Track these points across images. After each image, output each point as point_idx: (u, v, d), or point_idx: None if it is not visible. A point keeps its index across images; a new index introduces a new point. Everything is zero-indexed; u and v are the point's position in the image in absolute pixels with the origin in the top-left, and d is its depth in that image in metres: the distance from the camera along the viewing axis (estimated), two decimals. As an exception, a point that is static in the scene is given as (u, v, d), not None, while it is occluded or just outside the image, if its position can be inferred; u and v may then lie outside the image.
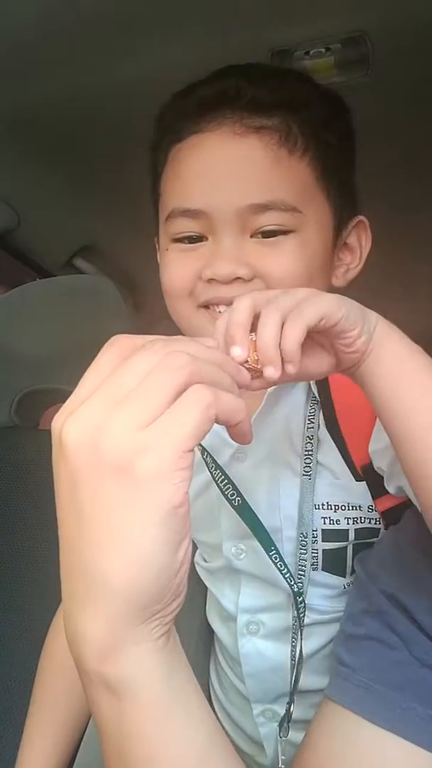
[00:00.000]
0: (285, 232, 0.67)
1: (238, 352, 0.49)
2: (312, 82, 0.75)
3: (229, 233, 0.67)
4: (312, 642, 0.76)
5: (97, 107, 0.91)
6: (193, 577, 0.89)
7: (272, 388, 0.72)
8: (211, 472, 0.76)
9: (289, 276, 0.67)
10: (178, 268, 0.70)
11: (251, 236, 0.67)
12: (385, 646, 0.56)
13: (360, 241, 0.76)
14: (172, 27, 0.75)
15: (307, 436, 0.73)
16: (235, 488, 0.74)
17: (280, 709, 0.78)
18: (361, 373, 0.54)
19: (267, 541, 0.73)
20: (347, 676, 0.57)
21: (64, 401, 0.45)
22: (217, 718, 0.87)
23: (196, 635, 0.88)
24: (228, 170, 0.67)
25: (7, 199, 1.06)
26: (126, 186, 0.97)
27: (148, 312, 1.43)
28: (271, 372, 0.50)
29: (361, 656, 0.57)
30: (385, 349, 0.53)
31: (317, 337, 0.53)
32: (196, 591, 0.90)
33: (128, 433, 0.40)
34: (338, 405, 0.73)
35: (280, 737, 0.74)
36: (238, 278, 0.67)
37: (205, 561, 0.87)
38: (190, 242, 0.70)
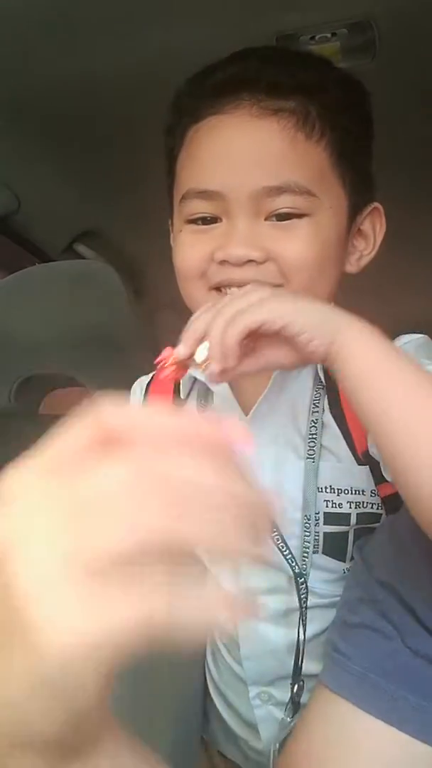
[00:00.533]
0: (299, 216, 0.67)
1: (182, 350, 0.56)
2: (332, 67, 0.74)
3: (243, 215, 0.67)
4: (311, 626, 0.76)
5: (99, 92, 0.90)
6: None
7: (276, 372, 0.73)
8: None
9: (302, 259, 0.67)
10: (191, 249, 0.70)
11: (265, 219, 0.67)
12: (380, 635, 0.56)
13: (374, 228, 0.76)
14: (175, 12, 0.75)
15: (312, 420, 0.73)
16: None
17: (276, 692, 0.79)
18: (333, 371, 0.56)
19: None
20: (342, 664, 0.57)
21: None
22: (213, 701, 0.88)
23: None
24: (244, 152, 0.67)
25: (7, 182, 1.06)
26: (128, 171, 0.97)
27: (149, 299, 1.43)
28: (212, 367, 0.55)
29: (356, 644, 0.58)
30: (353, 353, 0.54)
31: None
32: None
33: None
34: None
35: (286, 717, 0.74)
36: (250, 261, 0.67)
37: None
38: (204, 223, 0.70)
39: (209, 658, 0.89)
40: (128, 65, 0.85)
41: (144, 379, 0.88)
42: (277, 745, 0.75)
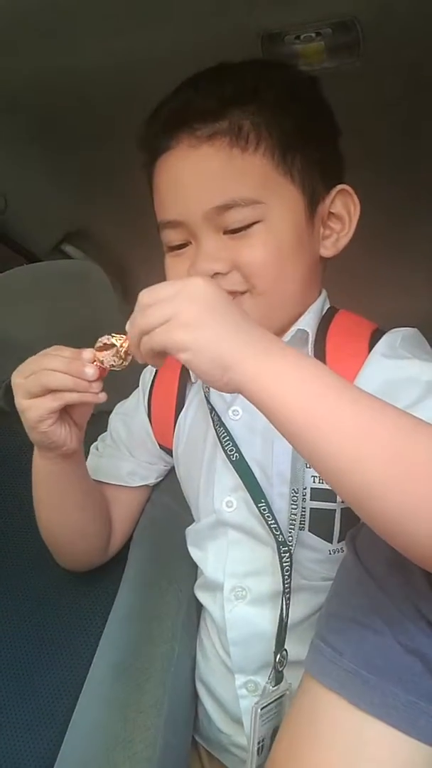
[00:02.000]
0: (250, 225, 0.72)
1: (87, 354, 0.67)
2: (263, 68, 0.78)
3: (204, 235, 0.73)
4: (298, 609, 0.78)
5: (86, 90, 0.90)
6: (183, 560, 0.91)
7: None
8: (215, 429, 0.81)
9: (260, 264, 0.73)
10: (172, 272, 0.78)
11: (224, 233, 0.73)
12: (371, 631, 0.56)
13: (348, 209, 0.78)
14: (162, 9, 0.75)
15: None
16: (234, 444, 0.79)
17: (262, 681, 0.80)
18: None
19: (258, 494, 0.77)
20: (333, 659, 0.57)
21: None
22: (199, 697, 0.89)
23: (185, 613, 0.88)
24: (188, 181, 0.73)
25: (-5, 182, 1.05)
26: (116, 171, 0.96)
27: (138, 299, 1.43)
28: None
29: (348, 640, 0.58)
30: (248, 390, 0.56)
31: None
32: (184, 571, 0.91)
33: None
34: (331, 367, 0.74)
35: (269, 685, 0.77)
36: (217, 273, 0.73)
37: (196, 524, 0.89)
38: (178, 248, 0.77)
39: (198, 655, 0.90)
40: (114, 64, 0.85)
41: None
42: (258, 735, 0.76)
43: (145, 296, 0.60)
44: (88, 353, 0.67)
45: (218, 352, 0.56)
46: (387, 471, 0.51)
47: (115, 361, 0.66)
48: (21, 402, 0.71)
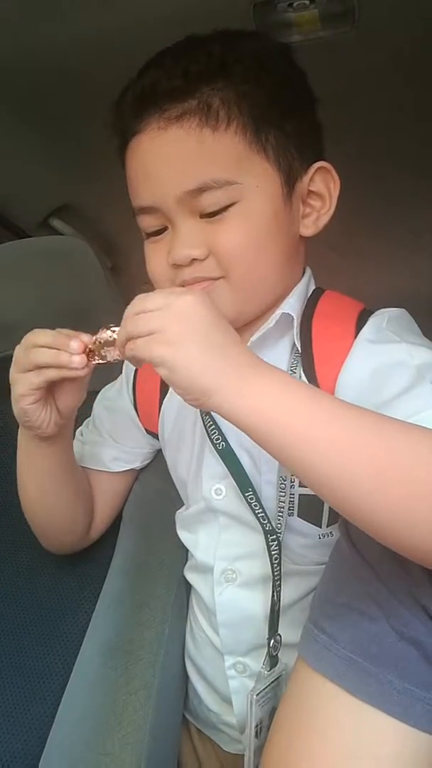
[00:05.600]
0: (226, 207, 0.70)
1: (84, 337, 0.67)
2: (230, 39, 0.73)
3: (179, 220, 0.71)
4: (289, 592, 0.78)
5: (72, 62, 0.88)
6: (172, 542, 0.90)
7: (255, 337, 0.75)
8: (202, 418, 0.80)
9: (234, 249, 0.71)
10: (153, 259, 0.76)
11: (201, 217, 0.71)
12: (365, 618, 0.56)
13: (327, 186, 0.76)
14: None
15: None
16: (221, 433, 0.78)
17: (252, 663, 0.81)
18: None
19: (245, 483, 0.76)
20: (329, 646, 0.57)
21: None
22: (189, 676, 0.90)
23: (175, 595, 0.88)
24: (159, 165, 0.70)
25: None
26: (104, 145, 0.94)
27: (128, 275, 1.41)
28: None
29: (342, 627, 0.57)
30: (224, 413, 0.57)
31: None
32: (174, 553, 0.91)
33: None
34: (318, 358, 0.75)
35: (263, 670, 0.78)
36: (195, 259, 0.71)
37: (185, 509, 0.89)
38: (156, 234, 0.75)
39: (188, 637, 0.90)
40: (101, 35, 0.83)
41: None
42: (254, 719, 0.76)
43: (137, 305, 0.60)
44: (85, 337, 0.67)
45: (196, 376, 0.57)
46: (372, 483, 0.52)
47: (118, 356, 0.66)
48: (12, 374, 0.71)
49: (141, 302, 0.60)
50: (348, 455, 0.53)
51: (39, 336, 0.68)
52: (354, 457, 0.53)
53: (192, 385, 0.57)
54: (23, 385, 0.70)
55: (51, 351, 0.67)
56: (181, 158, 0.69)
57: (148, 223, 0.74)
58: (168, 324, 0.58)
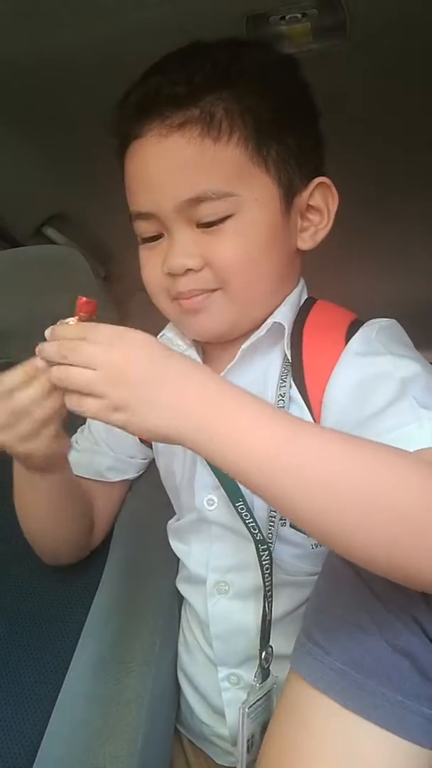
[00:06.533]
0: (223, 219, 0.69)
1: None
2: (237, 49, 0.73)
3: (177, 228, 0.71)
4: (281, 604, 0.78)
5: (68, 69, 0.88)
6: (164, 553, 0.90)
7: (245, 345, 0.75)
8: None
9: (231, 262, 0.70)
10: (147, 266, 0.75)
11: (197, 227, 0.70)
12: (359, 630, 0.56)
13: (326, 201, 0.76)
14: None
15: (279, 394, 0.75)
16: None
17: (245, 674, 0.81)
18: None
19: (235, 494, 0.76)
20: (321, 658, 0.56)
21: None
22: (181, 688, 0.89)
23: (167, 607, 0.88)
24: (159, 173, 0.70)
25: (-27, 164, 1.03)
26: (99, 153, 0.94)
27: (123, 283, 1.41)
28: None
29: (335, 638, 0.57)
30: (205, 454, 0.56)
31: None
32: (166, 564, 0.91)
33: None
34: (307, 368, 0.75)
35: (255, 684, 0.77)
36: (190, 269, 0.71)
37: (177, 520, 0.89)
38: (152, 240, 0.74)
39: (181, 649, 0.90)
40: (97, 43, 0.83)
41: None
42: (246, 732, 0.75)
43: (70, 334, 0.60)
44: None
45: (159, 433, 0.56)
46: (357, 516, 0.52)
47: None
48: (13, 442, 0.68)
49: (76, 346, 0.58)
50: (331, 493, 0.52)
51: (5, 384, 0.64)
52: (339, 495, 0.52)
53: (158, 439, 0.57)
54: (35, 442, 0.66)
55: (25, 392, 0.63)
56: (180, 167, 0.69)
57: (144, 228, 0.74)
58: (108, 390, 0.56)
